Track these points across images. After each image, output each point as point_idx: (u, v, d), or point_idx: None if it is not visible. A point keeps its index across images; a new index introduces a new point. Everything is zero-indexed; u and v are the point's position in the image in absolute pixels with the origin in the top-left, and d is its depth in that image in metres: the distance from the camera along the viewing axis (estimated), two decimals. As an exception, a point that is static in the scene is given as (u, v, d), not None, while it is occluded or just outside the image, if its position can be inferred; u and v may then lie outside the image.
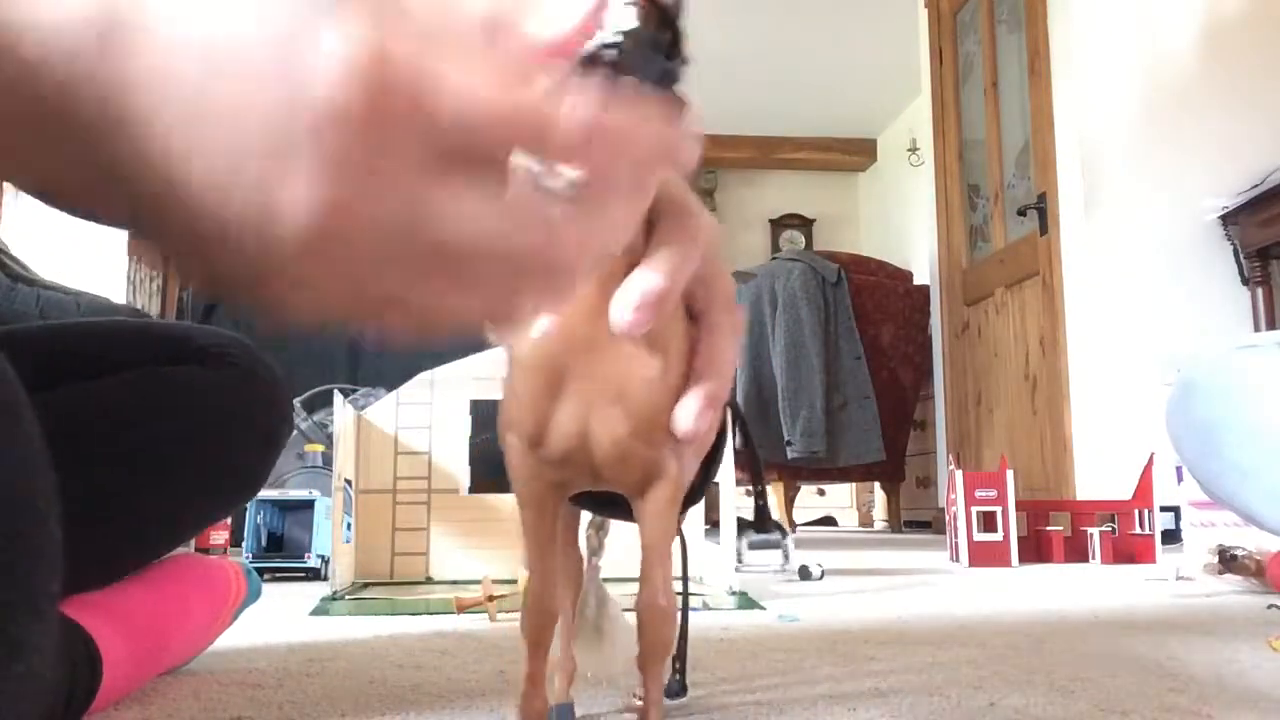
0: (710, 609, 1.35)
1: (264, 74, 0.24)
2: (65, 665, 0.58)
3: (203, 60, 0.25)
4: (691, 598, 1.43)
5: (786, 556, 1.99)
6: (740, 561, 2.07)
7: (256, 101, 0.24)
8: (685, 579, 0.64)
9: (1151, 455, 2.33)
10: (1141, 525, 2.34)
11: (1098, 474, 3.02)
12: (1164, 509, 2.33)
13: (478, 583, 1.40)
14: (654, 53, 0.33)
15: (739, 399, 3.92)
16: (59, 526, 0.28)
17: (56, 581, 0.27)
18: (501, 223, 0.26)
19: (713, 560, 1.67)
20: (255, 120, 0.24)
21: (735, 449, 1.46)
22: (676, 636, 0.49)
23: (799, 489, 4.49)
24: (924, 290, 4.35)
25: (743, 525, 2.15)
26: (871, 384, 4.00)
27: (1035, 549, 2.44)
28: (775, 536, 1.98)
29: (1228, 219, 3.04)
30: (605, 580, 0.63)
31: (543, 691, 0.50)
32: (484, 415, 1.89)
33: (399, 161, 0.25)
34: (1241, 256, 3.04)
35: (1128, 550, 2.34)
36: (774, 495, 4.22)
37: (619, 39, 0.32)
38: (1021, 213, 3.47)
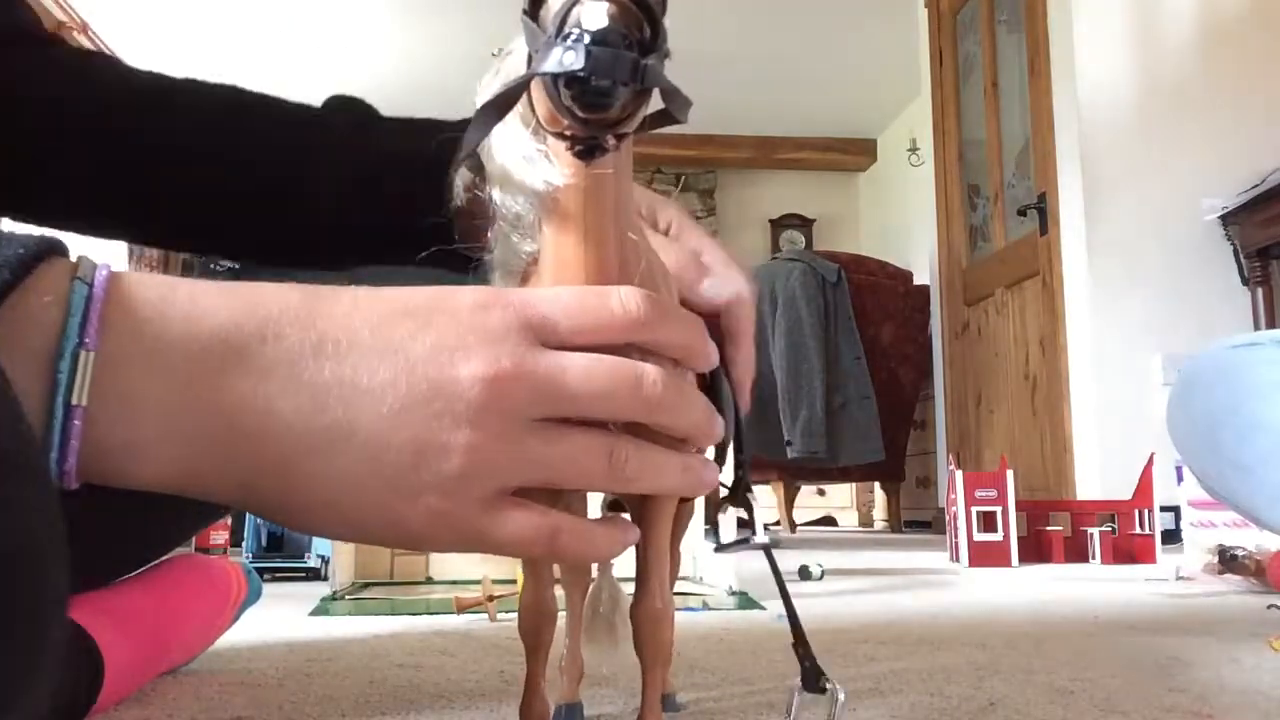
0: (710, 609, 1.35)
1: (418, 398, 0.35)
2: (68, 670, 0.58)
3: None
4: (692, 598, 1.43)
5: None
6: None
7: (409, 420, 0.35)
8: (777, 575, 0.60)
9: (1151, 455, 2.33)
10: (1141, 525, 2.34)
11: (1098, 474, 3.02)
12: (1164, 509, 2.33)
13: (478, 583, 1.40)
14: (625, 51, 0.32)
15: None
16: (66, 574, 0.28)
17: (58, 622, 0.27)
18: (588, 456, 0.37)
19: (713, 560, 1.67)
20: (407, 436, 0.35)
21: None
22: (672, 639, 0.48)
23: (799, 489, 4.49)
24: (924, 290, 4.35)
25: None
26: (871, 384, 3.99)
27: (1035, 549, 2.44)
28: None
29: (1228, 219, 3.04)
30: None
31: (543, 693, 0.49)
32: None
33: (524, 429, 0.36)
34: (1241, 256, 3.04)
35: (1128, 550, 2.34)
36: (774, 495, 4.22)
37: (585, 42, 0.32)
38: (1021, 213, 3.47)
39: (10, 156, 0.63)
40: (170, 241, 0.72)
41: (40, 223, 0.67)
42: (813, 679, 0.53)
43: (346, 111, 0.69)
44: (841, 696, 0.52)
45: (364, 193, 0.65)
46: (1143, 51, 3.22)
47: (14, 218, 0.67)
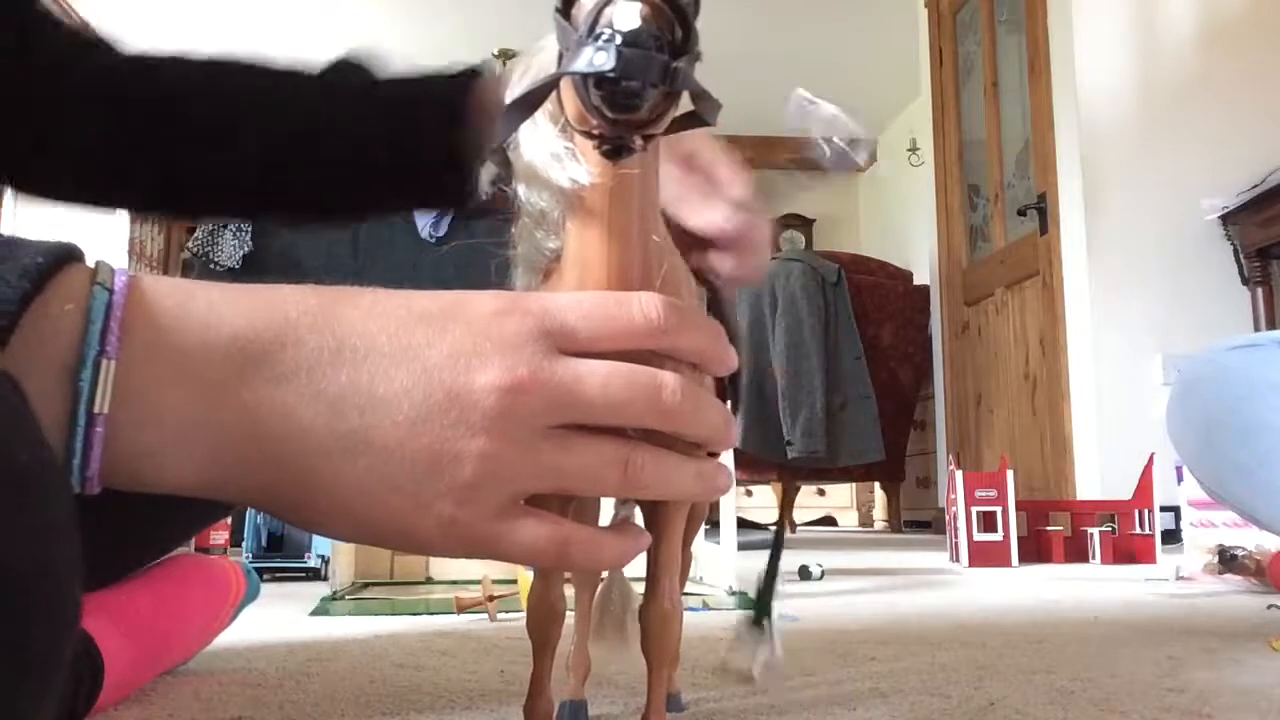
0: (710, 609, 1.35)
1: (434, 408, 0.35)
2: (69, 671, 0.58)
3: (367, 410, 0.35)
4: (692, 598, 1.43)
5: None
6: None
7: (425, 429, 0.35)
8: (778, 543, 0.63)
9: (1151, 455, 2.34)
10: (1141, 525, 2.34)
11: (1098, 474, 3.02)
12: (1164, 509, 2.33)
13: (478, 583, 1.40)
14: (656, 52, 0.33)
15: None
16: (80, 591, 0.28)
17: (70, 641, 0.27)
18: (603, 465, 0.37)
19: (713, 560, 1.67)
20: (424, 444, 0.35)
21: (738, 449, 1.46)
22: (680, 640, 0.49)
23: (799, 489, 4.49)
24: (924, 290, 4.35)
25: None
26: (871, 384, 3.99)
27: (1035, 549, 2.44)
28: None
29: (1228, 219, 3.04)
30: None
31: (548, 692, 0.49)
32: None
33: (539, 438, 0.36)
34: (1241, 256, 3.04)
35: (1128, 550, 2.34)
36: (773, 495, 4.22)
37: (616, 43, 0.32)
38: (1021, 213, 3.47)
39: (27, 134, 0.63)
40: (190, 211, 0.72)
41: (55, 197, 0.67)
42: (758, 618, 0.58)
43: (350, 75, 0.67)
44: (778, 643, 0.58)
45: (374, 153, 0.64)
46: (1143, 51, 3.22)
47: (26, 192, 0.67)
